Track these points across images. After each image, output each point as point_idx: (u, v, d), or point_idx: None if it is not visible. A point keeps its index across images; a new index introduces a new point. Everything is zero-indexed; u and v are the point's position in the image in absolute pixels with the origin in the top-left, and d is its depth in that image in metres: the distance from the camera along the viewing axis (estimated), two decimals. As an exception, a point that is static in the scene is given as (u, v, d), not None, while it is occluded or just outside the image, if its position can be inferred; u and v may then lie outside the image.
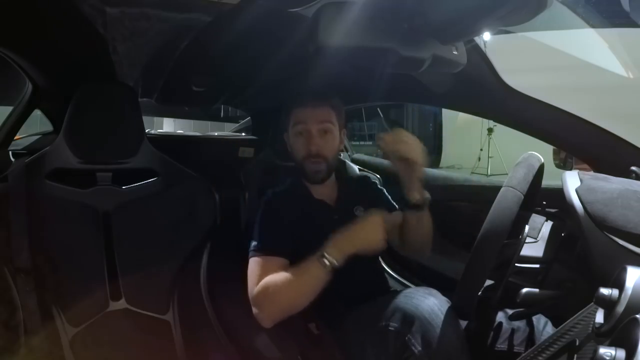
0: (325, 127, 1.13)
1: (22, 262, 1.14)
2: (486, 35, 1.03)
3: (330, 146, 1.14)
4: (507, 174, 0.81)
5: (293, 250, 1.05)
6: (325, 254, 0.94)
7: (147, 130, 1.40)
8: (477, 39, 1.01)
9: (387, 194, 1.29)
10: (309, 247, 1.08)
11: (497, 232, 0.74)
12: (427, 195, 1.09)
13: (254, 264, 1.03)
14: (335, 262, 0.94)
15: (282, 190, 1.19)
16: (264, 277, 0.99)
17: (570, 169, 1.14)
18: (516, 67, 1.24)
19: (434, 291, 0.92)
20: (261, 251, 1.04)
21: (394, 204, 1.26)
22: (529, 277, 0.90)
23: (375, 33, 0.78)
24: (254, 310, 0.99)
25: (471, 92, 1.20)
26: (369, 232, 0.98)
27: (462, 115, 6.75)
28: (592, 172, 0.93)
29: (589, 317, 0.61)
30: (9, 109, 1.49)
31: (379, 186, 1.33)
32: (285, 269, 1.02)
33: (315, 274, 0.94)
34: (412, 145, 1.03)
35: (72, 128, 1.22)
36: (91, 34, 1.04)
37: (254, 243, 1.06)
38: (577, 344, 0.60)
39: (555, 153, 1.25)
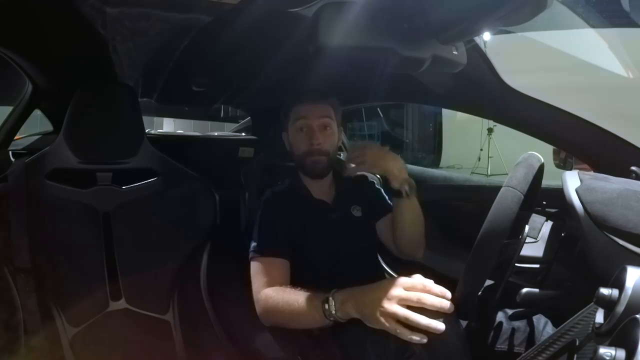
0: (325, 122, 1.15)
1: (22, 262, 1.14)
2: (486, 35, 1.03)
3: (330, 141, 1.16)
4: (507, 174, 0.81)
5: (293, 250, 1.06)
6: (330, 303, 0.86)
7: (147, 130, 1.40)
8: (477, 39, 1.01)
9: (384, 193, 1.29)
10: (308, 247, 1.09)
11: (497, 232, 0.73)
12: (412, 182, 1.09)
13: (255, 266, 1.04)
14: (339, 318, 0.87)
15: (282, 190, 1.19)
16: (266, 280, 1.00)
17: (570, 169, 1.14)
18: (516, 67, 1.24)
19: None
20: (261, 253, 1.05)
21: (390, 204, 1.26)
22: (529, 277, 0.90)
23: (375, 33, 0.78)
24: (256, 310, 1.00)
25: (471, 92, 1.20)
26: (376, 304, 0.82)
27: (462, 115, 6.74)
28: (592, 172, 0.93)
29: (589, 317, 0.61)
30: (9, 109, 1.49)
31: (376, 185, 1.33)
32: (286, 270, 1.03)
33: (313, 319, 0.90)
34: (378, 152, 1.08)
35: (72, 128, 1.22)
36: (91, 34, 1.04)
37: (253, 244, 1.07)
38: (577, 344, 0.60)
39: (555, 153, 1.25)
